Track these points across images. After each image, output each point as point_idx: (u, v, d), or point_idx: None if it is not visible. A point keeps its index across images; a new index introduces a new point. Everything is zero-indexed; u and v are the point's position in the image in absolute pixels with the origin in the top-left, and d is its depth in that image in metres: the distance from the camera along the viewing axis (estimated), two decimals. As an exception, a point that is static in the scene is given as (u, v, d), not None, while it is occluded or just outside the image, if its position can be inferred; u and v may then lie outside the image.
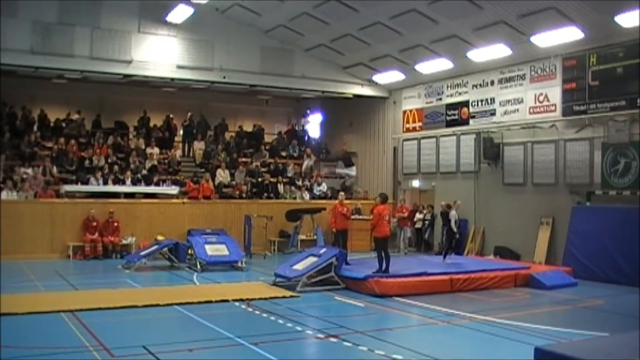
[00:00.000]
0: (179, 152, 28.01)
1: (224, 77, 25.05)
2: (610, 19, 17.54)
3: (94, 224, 21.62)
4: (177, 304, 13.28)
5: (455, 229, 18.78)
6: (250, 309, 13.21)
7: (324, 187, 27.68)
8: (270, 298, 14.31)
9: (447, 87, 25.03)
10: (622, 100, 18.53)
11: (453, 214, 18.82)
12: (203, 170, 26.62)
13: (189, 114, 28.91)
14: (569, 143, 20.24)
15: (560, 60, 20.37)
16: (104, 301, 13.19)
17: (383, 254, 15.86)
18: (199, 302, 13.48)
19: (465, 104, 24.16)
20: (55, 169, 23.31)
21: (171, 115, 29.05)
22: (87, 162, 24.44)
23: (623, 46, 18.48)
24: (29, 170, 22.47)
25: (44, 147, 24.64)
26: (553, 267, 18.47)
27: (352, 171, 28.23)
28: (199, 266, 18.98)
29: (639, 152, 18.20)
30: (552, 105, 20.72)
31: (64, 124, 26.43)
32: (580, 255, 18.76)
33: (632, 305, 14.70)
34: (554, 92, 20.63)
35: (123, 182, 23.75)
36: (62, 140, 24.67)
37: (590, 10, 17.67)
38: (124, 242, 22.13)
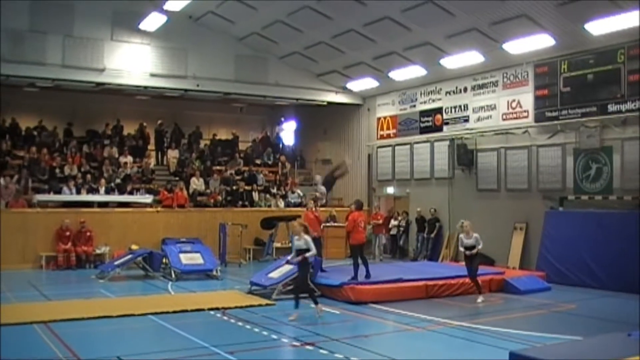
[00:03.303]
0: (152, 161, 27.86)
1: (198, 85, 24.97)
2: (580, 27, 17.76)
3: (67, 233, 21.40)
4: (151, 314, 13.18)
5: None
6: (225, 318, 13.15)
7: (298, 194, 27.64)
8: (246, 306, 14.25)
9: (421, 94, 25.17)
10: (593, 107, 18.76)
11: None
12: (177, 178, 26.48)
13: (159, 121, 28.72)
14: (542, 149, 20.45)
15: (532, 67, 20.59)
16: (77, 312, 13.05)
17: (360, 260, 15.88)
18: (174, 312, 13.38)
19: (439, 110, 24.30)
20: (30, 181, 23.04)
21: (145, 124, 28.86)
22: (59, 171, 24.20)
23: (593, 53, 18.72)
24: (1, 180, 22.18)
25: (15, 157, 24.36)
26: (527, 272, 18.61)
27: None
28: (173, 275, 18.87)
29: (610, 158, 18.44)
30: (525, 111, 20.92)
31: (35, 133, 26.16)
32: (553, 260, 18.92)
33: (605, 309, 14.90)
34: (527, 99, 20.83)
35: (96, 191, 23.55)
36: (34, 149, 24.41)
37: (561, 18, 17.88)
38: (98, 251, 21.94)
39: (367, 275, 15.93)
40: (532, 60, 20.46)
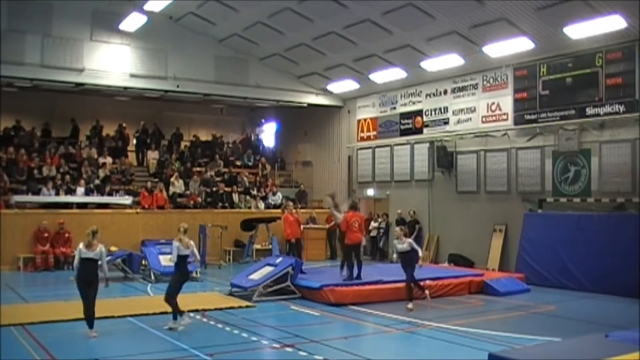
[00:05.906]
0: (132, 162, 27.65)
1: (178, 86, 24.86)
2: (559, 31, 17.90)
3: (45, 235, 21.24)
4: (131, 316, 13.12)
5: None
6: (205, 320, 13.11)
7: (278, 196, 27.60)
8: (226, 308, 14.23)
9: (401, 96, 25.24)
10: (572, 110, 18.90)
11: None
12: (157, 179, 26.33)
13: (142, 123, 28.60)
14: (521, 151, 20.57)
15: (512, 70, 20.71)
16: (55, 314, 12.95)
17: (355, 261, 15.92)
18: (154, 314, 13.32)
19: (419, 113, 24.38)
20: (6, 177, 22.83)
21: (124, 125, 28.67)
22: (37, 172, 23.95)
23: (572, 57, 18.87)
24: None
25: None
26: (506, 274, 18.70)
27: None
28: (153, 277, 18.80)
29: (588, 160, 18.60)
30: (504, 114, 21.04)
31: (12, 133, 25.89)
32: (532, 262, 19.04)
33: (583, 310, 15.03)
34: (506, 102, 20.96)
35: (75, 192, 23.35)
36: (11, 149, 24.16)
37: (540, 22, 18.00)
38: (76, 253, 21.74)
39: (358, 277, 15.95)
40: (511, 64, 20.59)
